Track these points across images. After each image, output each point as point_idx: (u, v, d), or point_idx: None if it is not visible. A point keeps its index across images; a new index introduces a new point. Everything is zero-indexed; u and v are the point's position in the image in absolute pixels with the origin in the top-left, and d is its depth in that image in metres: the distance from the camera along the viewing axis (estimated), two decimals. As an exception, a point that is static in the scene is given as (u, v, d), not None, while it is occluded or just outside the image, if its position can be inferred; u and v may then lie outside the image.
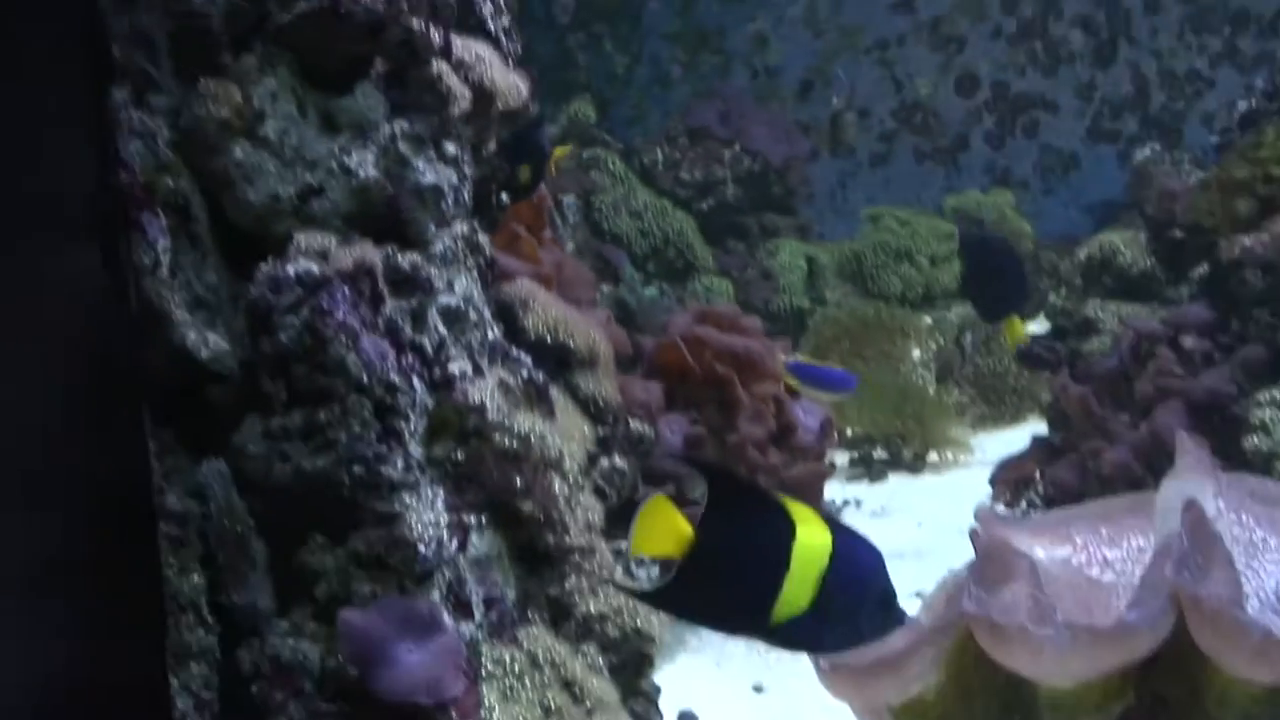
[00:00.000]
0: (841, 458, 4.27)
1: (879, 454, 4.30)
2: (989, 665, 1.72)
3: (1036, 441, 3.63)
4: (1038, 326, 5.52)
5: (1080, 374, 3.45)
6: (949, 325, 5.88)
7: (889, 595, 1.25)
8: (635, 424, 2.25)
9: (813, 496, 2.67)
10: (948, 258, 7.39)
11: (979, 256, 2.39)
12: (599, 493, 2.01)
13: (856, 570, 1.22)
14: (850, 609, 1.23)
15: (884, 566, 1.25)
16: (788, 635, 1.22)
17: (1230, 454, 2.80)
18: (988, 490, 3.64)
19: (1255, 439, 2.86)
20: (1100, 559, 1.96)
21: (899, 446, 4.30)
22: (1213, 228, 3.20)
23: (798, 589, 1.19)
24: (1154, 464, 2.80)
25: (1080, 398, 3.27)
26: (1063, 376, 3.46)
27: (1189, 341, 3.10)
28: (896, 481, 4.16)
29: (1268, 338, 3.00)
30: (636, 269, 5.92)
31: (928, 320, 6.61)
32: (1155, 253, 3.97)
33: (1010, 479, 3.49)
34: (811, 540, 1.19)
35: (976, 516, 1.99)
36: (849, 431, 4.33)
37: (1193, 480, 1.84)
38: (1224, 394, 2.93)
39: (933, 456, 4.34)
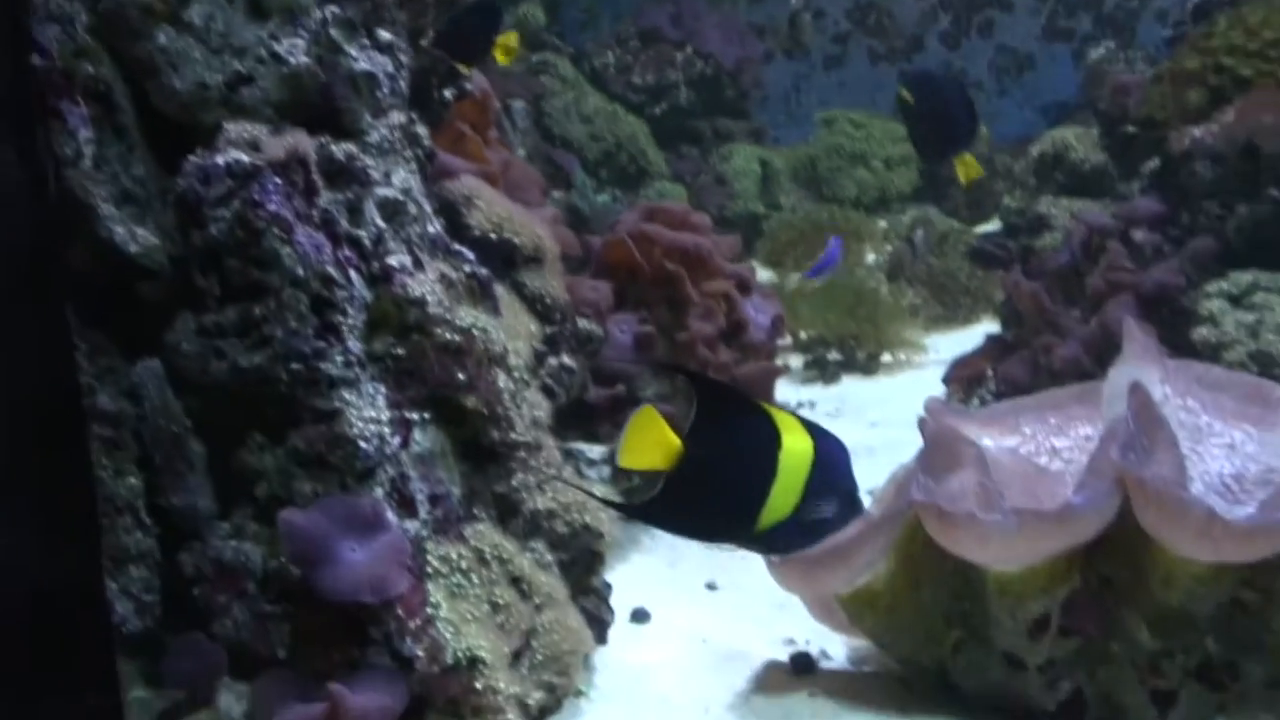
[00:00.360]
0: (796, 360, 4.27)
1: (833, 356, 4.30)
2: (937, 553, 1.73)
3: (989, 339, 3.63)
4: (990, 226, 5.53)
5: (1032, 270, 3.45)
6: (903, 229, 5.88)
7: (855, 492, 1.27)
8: (584, 323, 2.22)
9: (764, 394, 2.66)
10: (903, 161, 7.36)
11: (922, 92, 2.27)
12: (547, 391, 1.99)
13: (835, 473, 1.24)
14: (828, 511, 1.26)
15: (851, 465, 1.27)
16: (771, 540, 1.25)
17: (1180, 346, 2.81)
18: (941, 389, 3.65)
19: (1204, 330, 2.87)
20: (1048, 447, 1.97)
21: (853, 348, 4.30)
22: (1164, 121, 3.19)
23: (784, 496, 1.22)
24: (1104, 358, 2.80)
25: (1032, 294, 3.28)
26: (1015, 274, 3.46)
27: (1139, 235, 3.10)
28: (850, 383, 4.16)
29: (1217, 229, 3.00)
30: (588, 175, 5.86)
31: (882, 224, 6.60)
32: (1107, 148, 3.95)
33: (963, 376, 3.50)
34: (796, 447, 1.22)
35: (926, 407, 1.99)
36: (803, 334, 4.33)
37: (1139, 366, 1.84)
38: (1173, 286, 2.94)
39: (886, 358, 4.34)
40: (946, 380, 3.52)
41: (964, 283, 4.78)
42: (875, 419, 3.65)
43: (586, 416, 2.41)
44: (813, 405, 3.84)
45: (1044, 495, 1.80)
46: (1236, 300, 2.92)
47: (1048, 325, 3.23)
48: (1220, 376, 1.98)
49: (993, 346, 3.54)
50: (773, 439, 1.22)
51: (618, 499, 1.84)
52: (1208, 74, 3.07)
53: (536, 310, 2.06)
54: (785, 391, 3.80)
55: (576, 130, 6.03)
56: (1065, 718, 1.70)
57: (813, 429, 1.24)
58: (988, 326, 4.10)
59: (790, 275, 4.62)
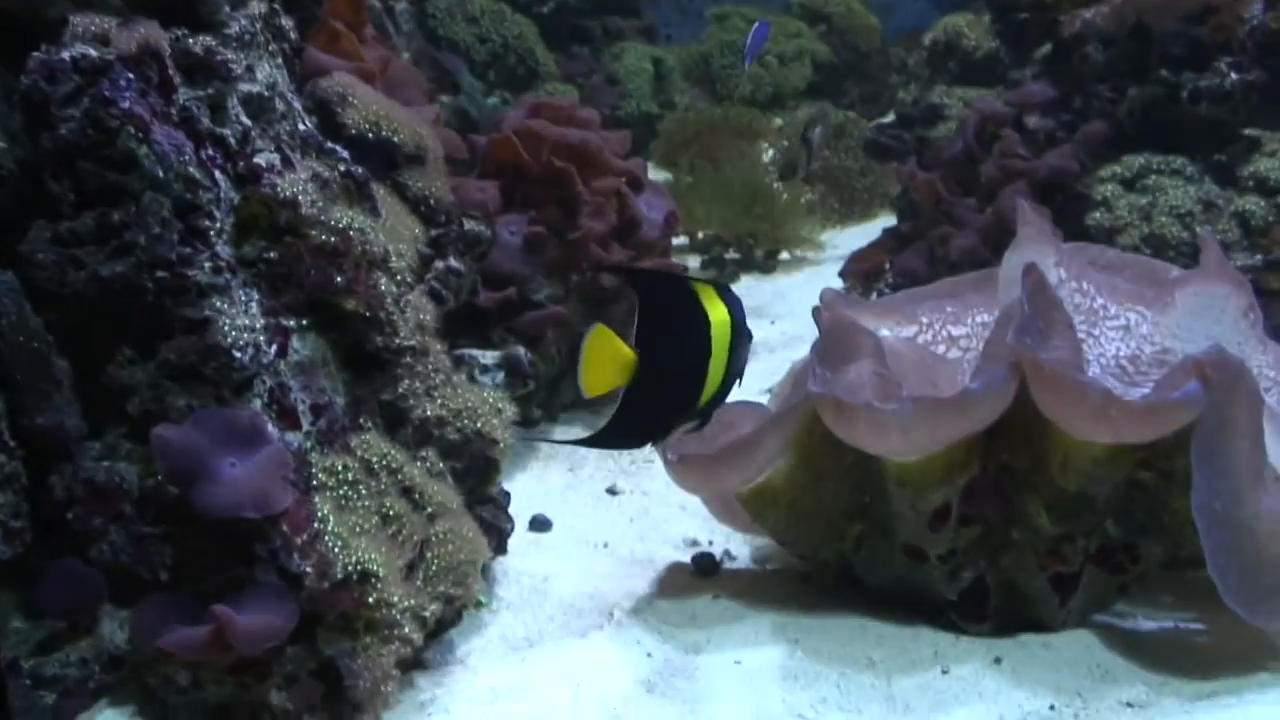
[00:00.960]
0: (693, 260, 4.25)
1: (730, 255, 4.29)
2: (836, 445, 1.72)
3: (886, 233, 3.64)
4: (886, 119, 5.52)
5: (927, 161, 3.44)
6: (798, 125, 5.86)
7: (750, 338, 1.36)
8: (470, 224, 2.16)
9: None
10: (797, 56, 7.33)
11: None
12: (434, 295, 1.93)
13: (744, 332, 1.33)
14: (742, 363, 1.34)
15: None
16: (707, 413, 1.34)
17: (1075, 232, 2.83)
18: (838, 284, 3.65)
19: (1098, 215, 2.89)
20: (946, 336, 1.96)
21: (750, 247, 4.29)
22: (1055, 3, 3.18)
23: (717, 368, 1.30)
24: (1001, 246, 2.79)
25: (927, 184, 3.27)
26: (910, 165, 3.45)
27: (1033, 121, 3.10)
28: (749, 282, 4.16)
29: (1109, 113, 3.01)
30: (476, 78, 5.73)
31: (778, 121, 6.58)
32: (1000, 34, 3.95)
33: (860, 270, 3.50)
34: (719, 318, 1.30)
35: (821, 298, 1.97)
36: (699, 234, 4.30)
37: (1034, 249, 1.84)
38: (1067, 172, 2.95)
39: (784, 256, 4.34)
40: (844, 274, 3.52)
41: (860, 177, 4.78)
42: (774, 316, 3.65)
43: (477, 321, 2.37)
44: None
45: (943, 383, 1.80)
46: (1129, 184, 2.94)
47: (944, 216, 3.23)
48: (1114, 258, 1.99)
49: (890, 239, 3.55)
50: (704, 319, 1.29)
51: (513, 412, 1.81)
52: (1098, -46, 3.06)
53: (420, 212, 2.00)
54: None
55: (462, 31, 5.89)
56: (967, 606, 1.71)
57: (721, 292, 1.31)
58: (886, 221, 4.11)
59: (684, 179, 4.58)
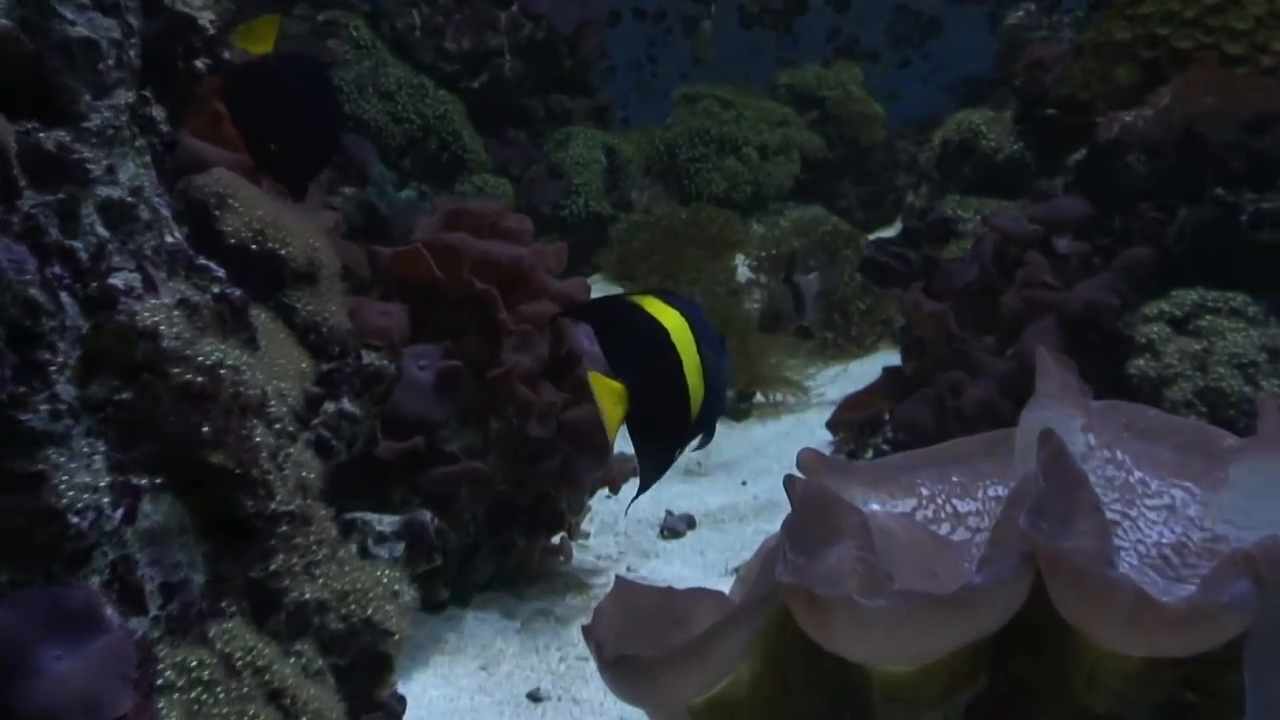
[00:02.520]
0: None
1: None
2: (811, 649, 1.73)
3: (886, 374, 3.71)
4: (891, 230, 5.65)
5: (936, 288, 3.53)
6: (783, 234, 5.97)
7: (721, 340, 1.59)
8: (370, 357, 2.20)
9: (600, 447, 2.67)
10: (782, 149, 7.50)
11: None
12: (321, 446, 1.96)
13: (707, 331, 1.55)
14: (723, 362, 1.58)
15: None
16: (710, 421, 1.60)
17: (1114, 381, 2.89)
18: (825, 437, 3.71)
19: (1142, 362, 2.96)
20: (950, 512, 2.00)
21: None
22: (1087, 102, 3.29)
23: (694, 375, 1.52)
24: (1024, 399, 2.88)
25: (935, 317, 3.35)
26: (915, 292, 3.53)
27: (1062, 244, 3.20)
28: (716, 430, 4.21)
29: (1155, 236, 3.09)
30: (388, 165, 5.83)
31: (758, 228, 6.70)
32: (1024, 135, 4.08)
33: (853, 421, 3.57)
34: (675, 324, 1.52)
35: (798, 461, 2.01)
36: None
37: (1055, 409, 1.88)
38: (1104, 307, 3.03)
39: (759, 399, 4.41)
40: (832, 425, 3.59)
41: (856, 303, 4.89)
42: (746, 475, 3.70)
43: (374, 478, 2.39)
44: (668, 458, 3.90)
45: (945, 573, 1.83)
46: (1180, 324, 3.01)
47: (955, 357, 3.30)
48: (1156, 422, 2.04)
49: (890, 383, 3.61)
50: (660, 329, 1.51)
51: (413, 595, 1.87)
52: (1139, 47, 3.18)
53: (309, 342, 2.03)
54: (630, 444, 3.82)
55: (373, 109, 6.00)
56: None
57: (668, 299, 1.53)
58: (887, 358, 4.20)
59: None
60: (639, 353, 1.51)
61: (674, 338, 1.51)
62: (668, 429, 1.57)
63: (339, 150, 2.32)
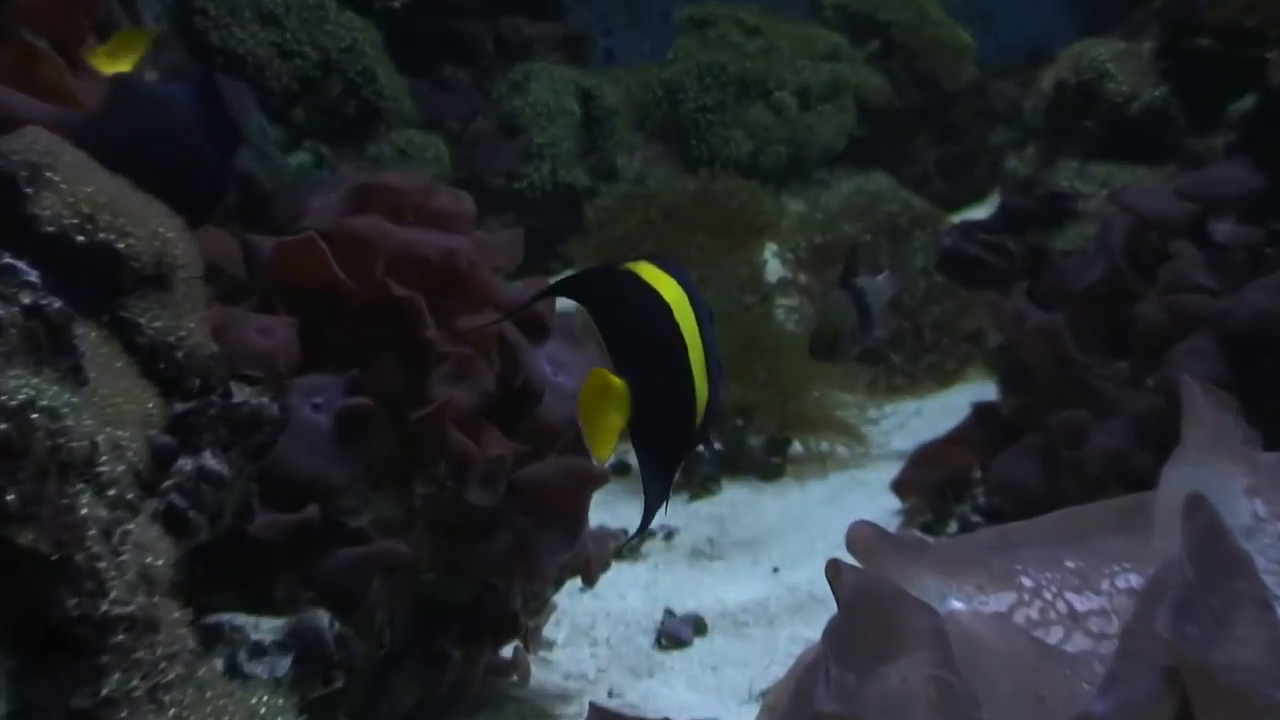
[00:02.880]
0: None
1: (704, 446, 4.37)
2: (866, 803, 1.74)
3: (976, 415, 3.71)
4: (979, 209, 5.66)
5: (1046, 292, 3.53)
6: (833, 216, 5.97)
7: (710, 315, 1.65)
8: (244, 393, 2.21)
9: (569, 517, 2.68)
10: (830, 93, 7.53)
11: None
12: (173, 520, 1.97)
13: (699, 298, 1.62)
14: (717, 353, 1.65)
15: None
16: (714, 413, 1.65)
17: (1294, 423, 2.90)
18: (887, 505, 3.72)
19: (1335, 398, 2.97)
20: (1063, 612, 2.01)
21: (741, 432, 4.37)
22: (1256, 32, 3.29)
23: (698, 360, 1.59)
24: (1168, 447, 2.89)
25: (1045, 334, 3.36)
26: (1017, 297, 3.54)
27: (1222, 229, 3.20)
28: (735, 493, 4.24)
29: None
30: (272, 118, 5.86)
31: (796, 205, 6.70)
32: (1169, 75, 4.09)
33: (928, 481, 3.58)
34: (675, 297, 1.58)
35: (850, 539, 2.02)
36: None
37: (1211, 466, 1.90)
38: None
39: (798, 450, 4.42)
40: (898, 487, 3.59)
41: (931, 313, 4.89)
42: (777, 559, 3.71)
43: (250, 563, 2.40)
44: (668, 535, 3.90)
45: (1055, 698, 1.85)
46: (1391, 344, 3.02)
47: (1073, 389, 3.31)
48: (1354, 483, 2.06)
49: (980, 427, 3.61)
50: (664, 308, 1.57)
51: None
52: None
53: (158, 372, 2.04)
54: (614, 513, 3.84)
55: (253, 39, 6.03)
56: None
57: (662, 265, 1.59)
58: (975, 391, 4.19)
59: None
60: (641, 338, 1.58)
61: (679, 318, 1.57)
62: (675, 434, 1.63)
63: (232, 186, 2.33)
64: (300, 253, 2.57)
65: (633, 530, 3.79)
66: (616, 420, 1.55)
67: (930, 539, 2.46)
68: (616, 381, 1.54)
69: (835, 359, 3.65)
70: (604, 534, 3.09)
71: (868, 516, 2.19)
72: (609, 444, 1.56)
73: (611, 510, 3.82)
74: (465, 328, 2.63)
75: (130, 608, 1.69)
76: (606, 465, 3.13)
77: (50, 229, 1.99)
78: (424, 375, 2.56)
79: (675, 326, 1.56)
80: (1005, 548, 2.12)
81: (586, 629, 3.35)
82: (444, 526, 2.61)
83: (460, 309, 2.64)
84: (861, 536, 2.05)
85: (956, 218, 5.55)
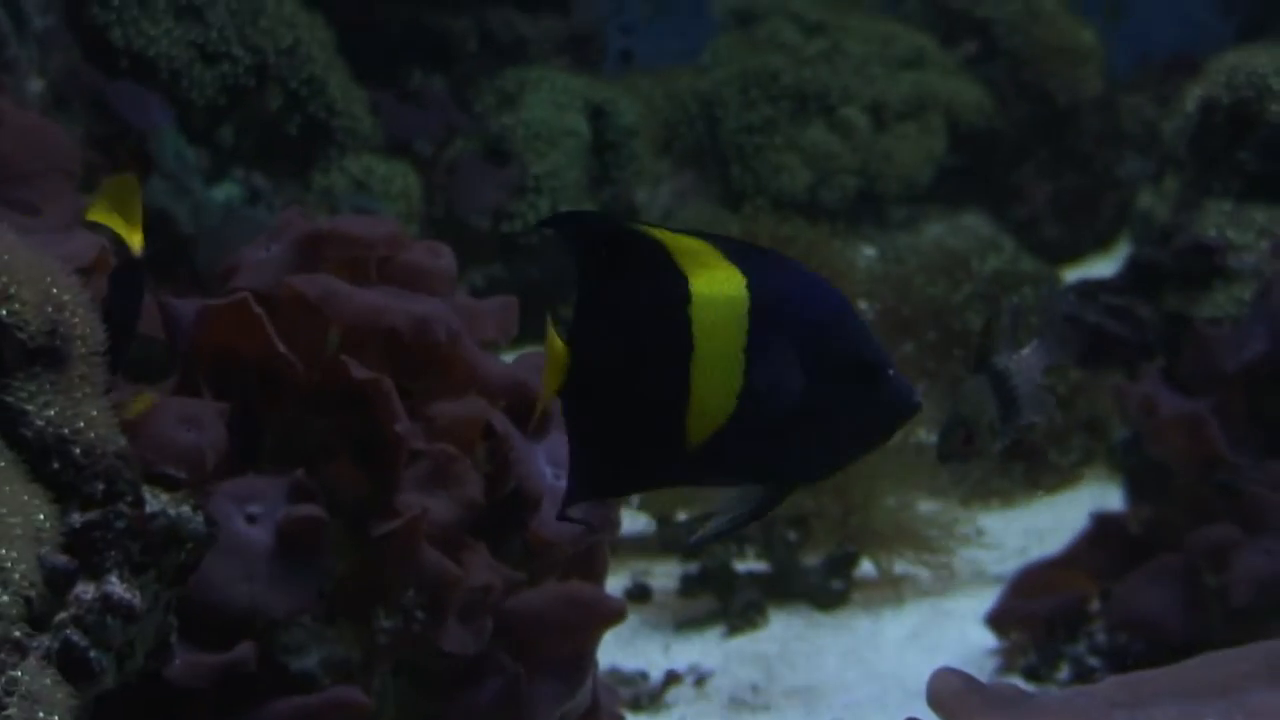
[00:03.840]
0: (663, 573, 4.35)
1: (748, 564, 4.38)
2: None
3: (1096, 528, 3.73)
4: (1102, 265, 5.67)
5: (1189, 372, 3.56)
6: (914, 268, 5.97)
7: (868, 354, 1.59)
8: (160, 501, 2.24)
9: (570, 658, 2.69)
10: (913, 109, 7.56)
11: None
12: (71, 661, 2.00)
13: (801, 322, 1.57)
14: (794, 385, 1.58)
15: (849, 310, 1.61)
16: (716, 461, 1.62)
17: None
18: (985, 642, 3.75)
19: None
20: (1209, 788, 2.03)
21: (793, 546, 4.38)
22: None
23: (714, 377, 1.57)
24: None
25: (1186, 426, 3.39)
26: (1150, 379, 3.57)
27: None
28: (786, 626, 4.25)
29: None
30: (194, 141, 5.90)
31: (869, 252, 6.73)
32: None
33: (1035, 614, 3.60)
34: (715, 292, 1.57)
35: (932, 690, 2.05)
36: (680, 513, 4.40)
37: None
38: None
39: (868, 569, 4.43)
40: (995, 621, 3.59)
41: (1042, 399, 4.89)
42: (842, 713, 3.72)
43: (166, 714, 2.42)
44: (699, 678, 3.91)
45: None
46: None
47: (1221, 497, 3.33)
48: None
49: (1101, 544, 3.62)
50: (678, 292, 1.57)
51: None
52: None
53: (51, 473, 2.08)
54: (632, 651, 3.86)
55: (165, 37, 6.06)
56: None
57: (742, 253, 1.58)
58: (1092, 496, 4.20)
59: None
60: (621, 328, 1.62)
61: (697, 302, 1.56)
62: (626, 434, 1.64)
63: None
64: (232, 321, 2.58)
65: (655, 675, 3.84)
66: (555, 380, 1.65)
67: (1035, 690, 2.48)
68: (558, 346, 1.63)
69: (971, 459, 3.57)
70: (616, 680, 3.11)
71: (955, 659, 2.22)
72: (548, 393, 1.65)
73: (629, 648, 3.84)
74: (445, 419, 2.64)
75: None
76: (622, 595, 3.16)
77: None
78: (391, 478, 2.56)
79: (680, 319, 1.57)
80: (1133, 703, 2.14)
81: (593, 810, 3.37)
82: (413, 671, 2.63)
83: (438, 394, 2.65)
84: (946, 687, 2.07)
85: (1073, 274, 5.57)
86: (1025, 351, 3.27)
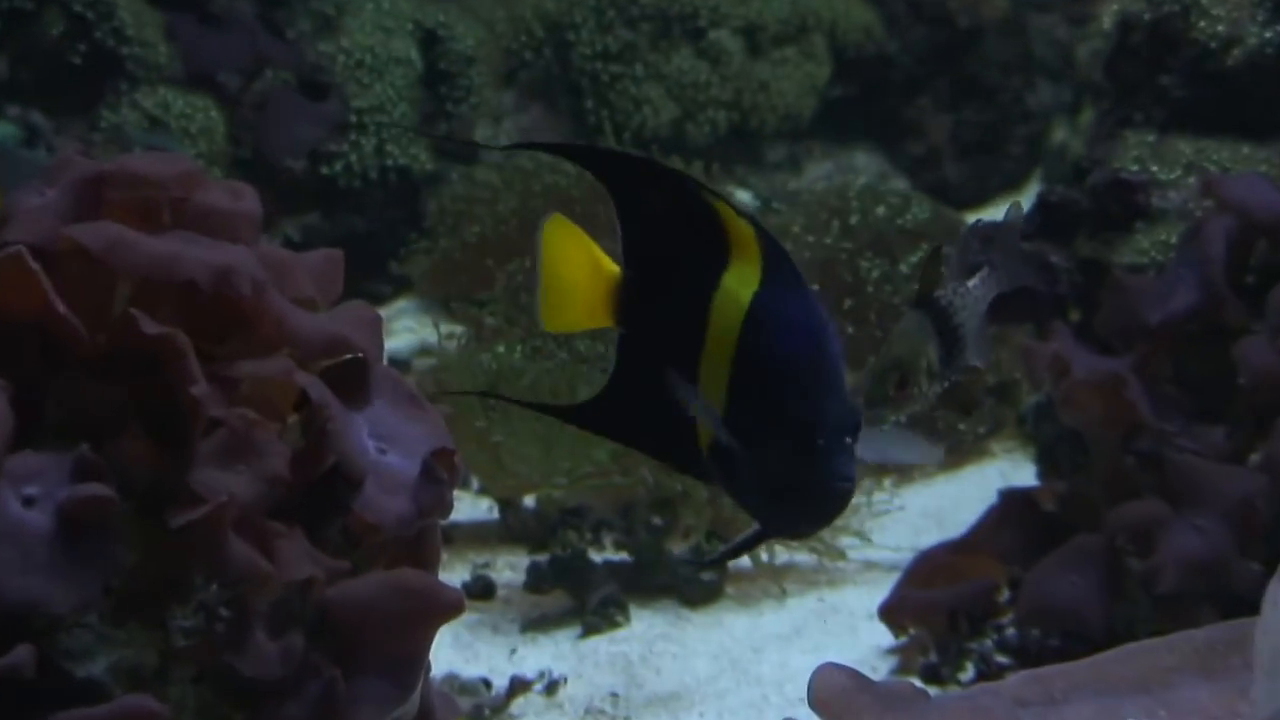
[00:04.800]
0: (506, 564, 4.36)
1: (604, 552, 4.40)
2: None
3: (1004, 505, 3.74)
4: (1006, 205, 5.71)
5: (1105, 325, 3.58)
6: (802, 217, 5.99)
7: (810, 414, 1.67)
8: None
9: (398, 659, 2.68)
10: (793, 35, 7.59)
11: None
12: None
13: (780, 343, 1.68)
14: (759, 421, 1.68)
15: (825, 332, 1.71)
16: (715, 471, 1.75)
17: None
18: (878, 638, 3.77)
19: None
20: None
21: (654, 533, 4.39)
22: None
23: (711, 377, 1.69)
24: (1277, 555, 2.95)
25: (1104, 387, 3.41)
26: (1061, 336, 3.59)
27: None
28: (650, 625, 4.27)
29: None
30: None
31: (743, 196, 6.76)
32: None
33: (933, 604, 3.62)
34: (735, 284, 1.68)
35: (814, 693, 2.05)
36: (527, 500, 4.41)
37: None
38: None
39: (744, 559, 4.45)
40: (889, 613, 3.61)
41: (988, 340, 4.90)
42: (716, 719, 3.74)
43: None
44: (550, 688, 3.91)
45: None
46: None
47: (1145, 468, 3.34)
48: None
49: (1009, 524, 3.63)
50: (715, 263, 1.68)
51: None
52: None
53: None
54: (471, 655, 3.87)
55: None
56: None
57: (768, 251, 1.68)
58: (999, 470, 4.22)
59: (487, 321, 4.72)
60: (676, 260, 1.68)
61: (721, 288, 1.66)
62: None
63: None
64: (2, 279, 2.57)
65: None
66: (587, 311, 1.70)
67: (934, 691, 2.49)
68: (608, 263, 1.68)
69: (905, 408, 3.51)
70: (455, 688, 3.11)
71: (844, 659, 2.22)
72: (565, 315, 1.74)
73: (468, 652, 3.84)
74: (252, 383, 2.61)
75: None
76: (460, 588, 3.15)
77: None
78: (185, 453, 2.54)
79: (706, 295, 1.65)
80: (1044, 701, 2.15)
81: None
82: (217, 677, 2.61)
83: (242, 353, 2.63)
84: (831, 687, 2.08)
85: (977, 218, 5.60)
86: (972, 283, 3.25)
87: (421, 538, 2.74)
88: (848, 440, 1.70)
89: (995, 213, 5.97)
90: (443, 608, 2.64)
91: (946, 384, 3.04)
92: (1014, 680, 2.26)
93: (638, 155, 1.76)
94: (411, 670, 2.69)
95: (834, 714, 2.03)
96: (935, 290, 3.12)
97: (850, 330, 4.95)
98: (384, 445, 2.72)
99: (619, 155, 1.71)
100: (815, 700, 2.06)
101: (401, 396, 2.83)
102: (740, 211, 1.66)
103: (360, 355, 2.73)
